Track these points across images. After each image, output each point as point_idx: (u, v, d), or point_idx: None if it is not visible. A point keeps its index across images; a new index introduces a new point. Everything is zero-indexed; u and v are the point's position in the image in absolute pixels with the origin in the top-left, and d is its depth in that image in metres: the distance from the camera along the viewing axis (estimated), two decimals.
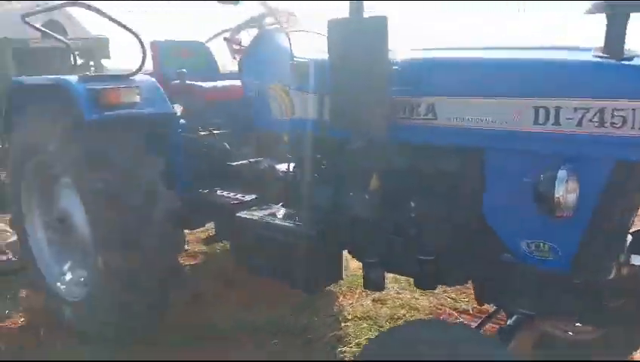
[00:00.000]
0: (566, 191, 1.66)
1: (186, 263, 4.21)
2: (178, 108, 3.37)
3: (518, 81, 1.82)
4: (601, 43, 1.68)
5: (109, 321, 2.80)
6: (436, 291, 3.64)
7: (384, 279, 2.40)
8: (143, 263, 2.65)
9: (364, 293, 3.77)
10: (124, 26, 2.85)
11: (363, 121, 2.04)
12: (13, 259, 3.89)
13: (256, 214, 2.53)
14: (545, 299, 1.93)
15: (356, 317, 3.39)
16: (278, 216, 2.52)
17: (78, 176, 2.72)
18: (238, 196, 2.87)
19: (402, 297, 3.73)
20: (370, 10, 1.95)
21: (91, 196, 2.66)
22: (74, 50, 4.95)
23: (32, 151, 2.98)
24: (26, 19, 3.17)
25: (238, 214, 2.55)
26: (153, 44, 3.51)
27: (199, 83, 3.25)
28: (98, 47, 5.15)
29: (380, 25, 1.93)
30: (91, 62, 5.36)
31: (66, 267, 3.22)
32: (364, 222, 2.31)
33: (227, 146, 3.17)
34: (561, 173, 1.66)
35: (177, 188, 2.91)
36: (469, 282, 2.33)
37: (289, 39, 2.46)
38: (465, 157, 2.01)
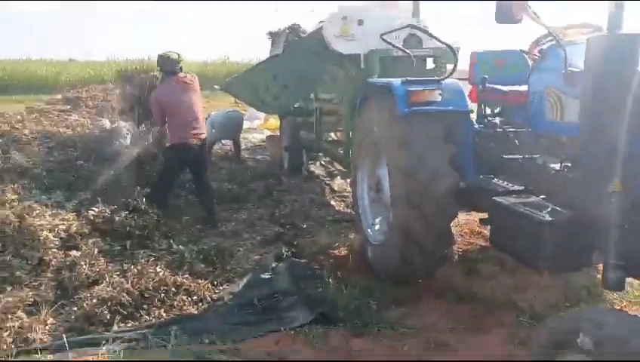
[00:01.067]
0: None
1: (472, 241, 4.75)
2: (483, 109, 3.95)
3: None
4: None
5: (392, 264, 3.68)
6: None
7: (624, 282, 2.45)
8: (421, 223, 3.40)
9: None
10: (439, 40, 3.63)
11: (605, 127, 2.24)
12: (351, 211, 5.26)
13: (510, 200, 2.92)
14: None
15: None
16: (530, 205, 2.83)
17: (388, 153, 3.67)
18: (508, 185, 3.27)
19: None
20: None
21: (393, 168, 3.58)
22: (425, 58, 6.07)
23: (367, 132, 4.10)
24: (383, 36, 4.31)
25: (494, 198, 3.00)
26: (472, 53, 4.16)
27: (498, 87, 3.73)
28: (445, 55, 6.05)
29: (634, 42, 2.12)
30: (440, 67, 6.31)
31: (377, 220, 4.27)
32: (609, 224, 2.42)
33: (516, 142, 3.56)
34: None
35: (463, 172, 3.52)
36: None
37: (565, 51, 2.73)
38: None
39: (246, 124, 12.33)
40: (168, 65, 5.21)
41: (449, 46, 3.71)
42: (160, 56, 5.24)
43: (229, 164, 7.69)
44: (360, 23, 6.03)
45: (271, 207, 5.84)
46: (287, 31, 6.96)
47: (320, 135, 7.56)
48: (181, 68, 5.26)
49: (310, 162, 8.10)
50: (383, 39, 4.32)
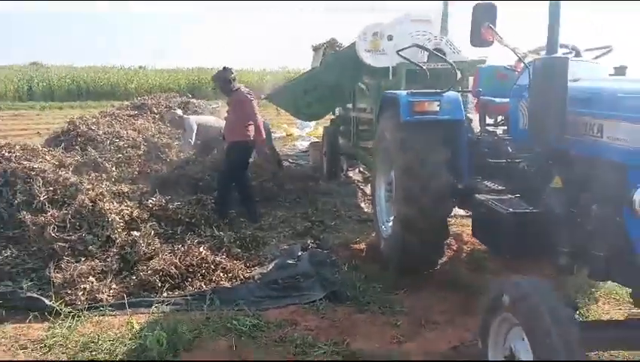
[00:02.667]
0: None
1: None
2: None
3: None
4: None
5: (397, 254, 4.23)
6: None
7: (573, 267, 2.89)
8: (419, 216, 3.94)
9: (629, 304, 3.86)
10: (442, 57, 4.18)
11: (545, 133, 2.76)
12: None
13: (486, 197, 3.43)
14: None
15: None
16: (501, 201, 3.32)
17: (395, 156, 4.24)
18: (493, 186, 3.76)
19: None
20: None
21: (398, 168, 4.15)
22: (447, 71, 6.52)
23: (382, 138, 4.68)
24: (399, 52, 4.89)
25: (475, 195, 3.52)
26: (477, 68, 4.66)
27: (492, 99, 4.23)
28: (470, 68, 6.51)
29: (563, 63, 2.64)
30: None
31: (390, 217, 4.82)
32: (555, 215, 2.90)
33: (509, 149, 4.03)
34: None
35: (458, 174, 4.04)
36: None
37: (530, 69, 3.22)
38: (619, 171, 2.44)
39: (296, 132, 13.27)
40: (227, 76, 5.95)
41: (449, 63, 4.26)
42: (216, 74, 6.05)
43: (270, 168, 8.40)
44: (389, 38, 6.61)
45: (305, 206, 6.52)
46: (325, 45, 7.64)
47: (357, 142, 8.15)
48: (235, 77, 6.03)
49: (349, 168, 8.70)
50: (399, 55, 4.90)
